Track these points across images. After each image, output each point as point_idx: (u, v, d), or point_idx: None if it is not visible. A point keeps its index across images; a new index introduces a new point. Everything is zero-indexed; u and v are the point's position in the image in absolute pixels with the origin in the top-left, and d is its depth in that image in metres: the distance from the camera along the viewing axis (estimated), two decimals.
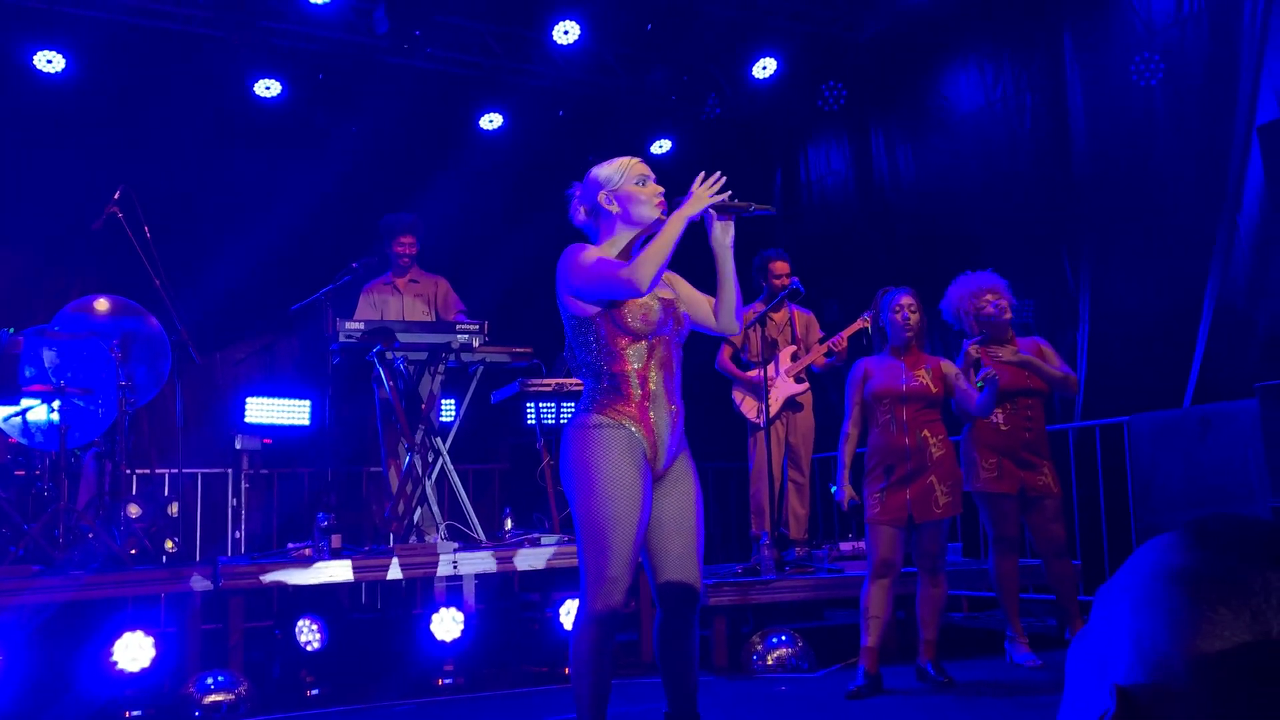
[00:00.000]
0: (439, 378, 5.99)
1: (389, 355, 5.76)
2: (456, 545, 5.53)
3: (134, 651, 4.67)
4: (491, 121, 9.12)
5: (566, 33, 8.20)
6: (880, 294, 4.85)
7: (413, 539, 5.80)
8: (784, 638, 5.40)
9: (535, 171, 9.31)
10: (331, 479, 6.12)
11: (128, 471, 5.97)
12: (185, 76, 7.91)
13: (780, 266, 6.41)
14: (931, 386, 4.65)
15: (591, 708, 3.01)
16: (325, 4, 7.66)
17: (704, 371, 6.28)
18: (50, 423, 5.43)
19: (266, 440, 7.42)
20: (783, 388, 6.40)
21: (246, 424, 7.46)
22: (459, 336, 5.92)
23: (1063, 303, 6.91)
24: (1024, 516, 5.05)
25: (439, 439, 6.01)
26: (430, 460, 5.98)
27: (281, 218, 7.95)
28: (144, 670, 4.68)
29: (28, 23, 7.52)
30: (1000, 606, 5.19)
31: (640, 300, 3.01)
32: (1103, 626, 0.79)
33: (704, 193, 3.04)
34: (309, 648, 5.17)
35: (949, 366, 4.75)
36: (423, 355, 5.91)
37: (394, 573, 5.26)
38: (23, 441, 5.53)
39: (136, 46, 7.74)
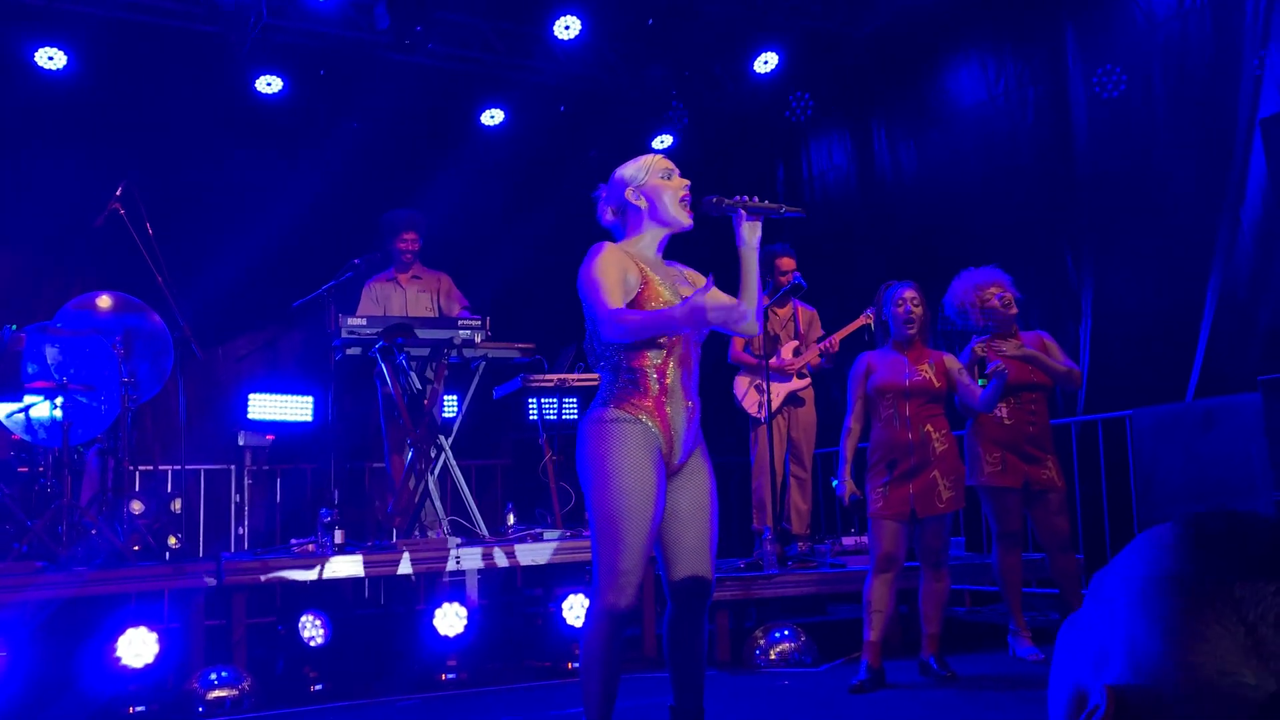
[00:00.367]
0: (442, 373, 5.99)
1: (392, 351, 5.76)
2: (460, 540, 5.54)
3: (138, 647, 4.67)
4: (493, 117, 9.11)
5: (567, 28, 8.19)
6: (883, 288, 4.85)
7: (415, 534, 5.81)
8: (787, 632, 5.40)
9: (537, 167, 9.31)
10: (334, 475, 6.12)
11: (131, 468, 5.97)
12: (186, 73, 7.90)
13: (786, 263, 6.41)
14: (934, 381, 4.65)
15: (600, 702, 3.01)
16: (326, 0, 7.66)
17: (704, 366, 6.26)
18: (53, 419, 5.43)
19: (269, 436, 7.43)
20: (784, 383, 6.40)
21: (249, 420, 7.47)
22: (461, 332, 5.92)
23: (1065, 297, 6.91)
24: (1027, 511, 5.05)
25: (441, 435, 6.02)
26: (433, 456, 5.99)
27: (283, 214, 7.95)
28: (148, 666, 4.68)
29: (28, 20, 7.52)
30: (1003, 600, 5.19)
31: (664, 297, 3.03)
32: (1097, 618, 0.79)
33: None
34: (312, 643, 5.17)
35: (952, 361, 4.75)
36: (425, 351, 5.91)
37: (404, 568, 5.28)
38: (26, 438, 5.53)
39: (138, 43, 7.73)
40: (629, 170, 3.22)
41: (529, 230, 8.66)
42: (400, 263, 6.69)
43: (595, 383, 6.41)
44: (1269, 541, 0.75)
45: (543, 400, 6.68)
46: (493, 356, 6.08)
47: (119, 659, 4.65)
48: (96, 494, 5.78)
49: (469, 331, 5.94)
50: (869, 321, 5.78)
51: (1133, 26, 6.55)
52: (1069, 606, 5.12)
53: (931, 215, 7.99)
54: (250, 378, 8.29)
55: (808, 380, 6.51)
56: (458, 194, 8.65)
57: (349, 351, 5.83)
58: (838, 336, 6.28)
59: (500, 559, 5.48)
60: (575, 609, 5.36)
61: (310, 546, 5.32)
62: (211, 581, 5.03)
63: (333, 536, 5.29)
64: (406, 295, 6.63)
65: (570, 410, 7.15)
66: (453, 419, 6.51)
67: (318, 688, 5.02)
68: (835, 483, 4.95)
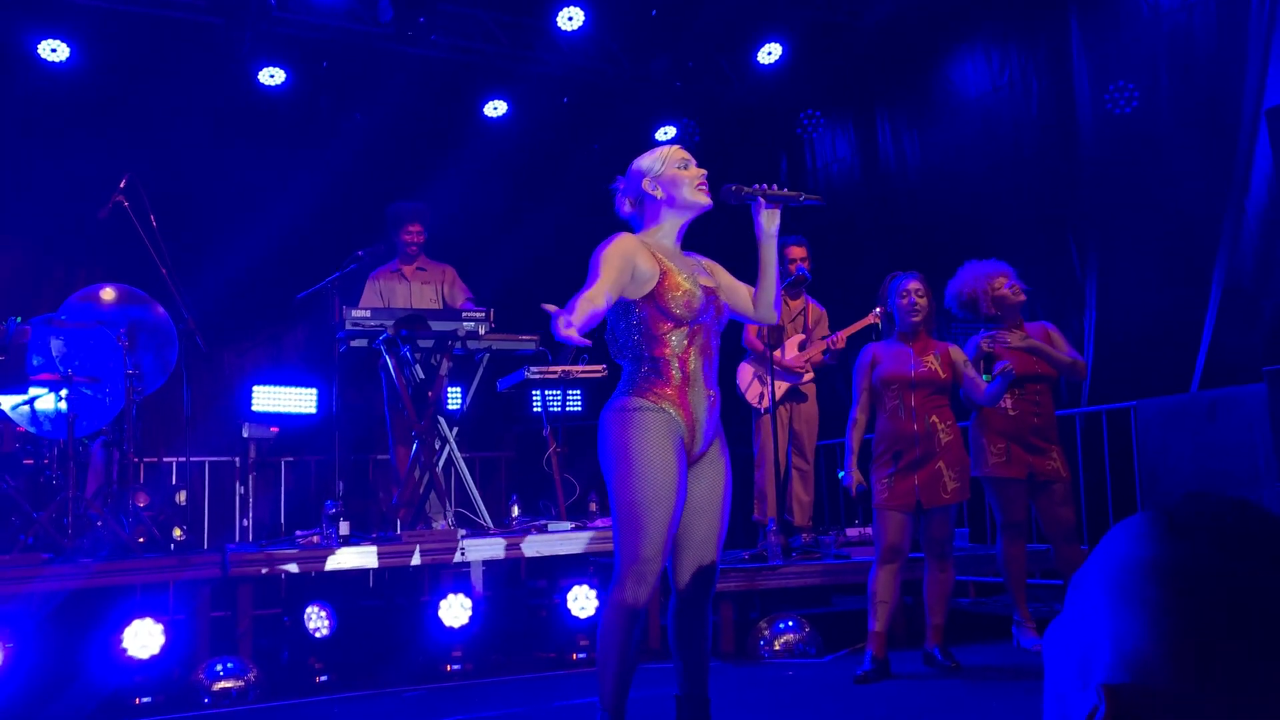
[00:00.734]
0: (446, 365, 5.99)
1: (396, 343, 5.76)
2: (464, 532, 5.55)
3: (143, 639, 4.68)
4: (496, 109, 9.10)
5: (570, 19, 8.17)
6: (888, 279, 4.85)
7: (420, 526, 5.82)
8: (791, 623, 5.41)
9: (540, 159, 9.31)
10: (338, 466, 6.13)
11: (135, 460, 5.98)
12: (190, 65, 7.90)
13: (794, 251, 6.39)
14: (940, 372, 4.65)
15: (615, 688, 3.02)
16: None
17: None
18: (58, 411, 5.44)
19: (274, 428, 7.44)
20: (789, 380, 6.39)
21: (253, 412, 7.49)
22: (465, 324, 5.92)
23: (1070, 288, 6.89)
24: (1032, 501, 5.05)
25: (446, 426, 6.02)
26: (437, 448, 5.99)
27: (286, 205, 7.95)
28: (153, 657, 4.69)
29: (31, 11, 7.52)
30: (1008, 591, 5.19)
31: (684, 287, 3.05)
32: (1080, 617, 0.79)
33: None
34: (317, 634, 5.18)
35: (957, 353, 4.75)
36: (430, 343, 5.91)
37: (413, 559, 5.29)
38: (31, 430, 5.54)
39: (141, 35, 7.72)
40: (646, 161, 3.22)
41: (532, 222, 8.65)
42: (405, 255, 6.69)
43: (599, 375, 6.45)
44: (1239, 522, 0.75)
45: (546, 392, 6.68)
46: (497, 348, 6.08)
47: (125, 650, 4.66)
48: (102, 486, 5.80)
49: (473, 323, 5.94)
50: (876, 321, 5.77)
51: (1138, 17, 6.53)
52: None
53: (936, 207, 7.98)
54: (254, 370, 8.31)
55: (810, 374, 6.50)
56: (461, 186, 8.64)
57: (353, 343, 5.83)
58: (844, 334, 6.27)
59: (505, 551, 5.48)
60: (580, 600, 5.36)
61: (315, 538, 5.33)
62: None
63: (337, 528, 5.29)
64: (411, 288, 6.63)
65: (574, 402, 7.15)
66: (457, 411, 6.52)
67: (323, 678, 5.03)
68: (842, 474, 4.96)
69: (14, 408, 5.47)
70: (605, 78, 9.11)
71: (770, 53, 8.79)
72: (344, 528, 5.34)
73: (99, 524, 5.31)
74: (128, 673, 4.65)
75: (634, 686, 3.08)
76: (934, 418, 4.62)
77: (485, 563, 5.56)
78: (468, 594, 5.23)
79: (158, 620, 4.74)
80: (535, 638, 5.63)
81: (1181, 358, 6.12)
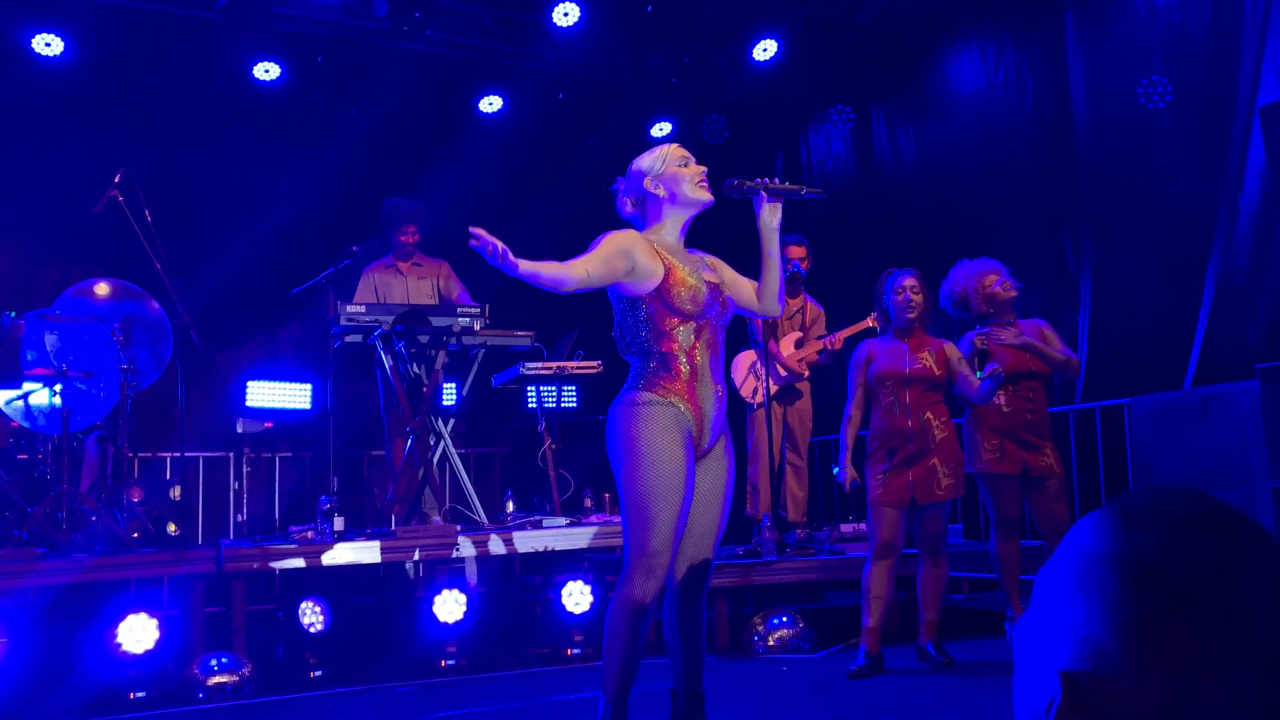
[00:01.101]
0: (441, 360, 5.99)
1: (392, 338, 5.77)
2: (459, 527, 5.55)
3: (138, 633, 4.69)
4: (491, 104, 9.10)
5: (566, 15, 8.17)
6: (883, 276, 4.86)
7: (415, 522, 5.82)
8: (785, 619, 5.42)
9: (536, 155, 9.30)
10: (333, 462, 6.13)
11: (130, 455, 5.98)
12: (184, 59, 7.88)
13: (793, 250, 6.40)
14: (935, 369, 4.66)
15: (619, 681, 3.04)
16: None
17: None
18: (52, 406, 5.44)
19: (268, 424, 7.43)
20: (784, 380, 6.40)
21: (248, 408, 7.48)
22: (460, 320, 5.92)
23: (1064, 285, 6.91)
24: (1026, 497, 5.06)
25: (440, 422, 6.02)
26: (432, 443, 5.99)
27: (281, 201, 7.95)
28: (148, 652, 4.69)
29: (26, 5, 7.49)
30: (1001, 587, 5.20)
31: (689, 283, 3.08)
32: (1044, 610, 0.80)
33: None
34: (312, 629, 5.19)
35: (952, 350, 4.76)
36: (425, 338, 5.91)
37: (411, 554, 5.31)
38: (25, 425, 5.54)
39: (135, 29, 7.71)
40: (646, 161, 3.25)
41: (528, 218, 8.64)
42: (402, 252, 6.68)
43: (594, 371, 6.46)
44: (1191, 513, 0.76)
45: (541, 388, 6.68)
46: (492, 344, 6.09)
47: (119, 645, 4.66)
48: (96, 481, 5.80)
49: (469, 319, 5.94)
50: (873, 324, 5.78)
51: (1133, 15, 6.54)
52: None
53: (931, 204, 7.99)
54: (249, 365, 8.30)
55: (807, 373, 6.50)
56: (456, 182, 8.63)
57: (348, 339, 5.83)
58: (841, 335, 6.28)
59: (499, 546, 5.49)
60: (574, 596, 5.37)
61: (309, 534, 5.33)
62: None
63: (332, 524, 5.30)
64: (408, 283, 6.62)
65: (569, 398, 7.16)
66: (452, 406, 6.52)
67: (317, 673, 5.03)
68: (836, 469, 4.97)
69: (8, 402, 5.47)
70: (601, 74, 9.10)
71: (766, 49, 8.78)
72: (339, 523, 5.35)
73: (93, 519, 5.31)
74: (122, 667, 4.65)
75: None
76: (929, 414, 4.63)
77: (480, 558, 5.57)
78: (462, 589, 5.24)
79: (152, 615, 4.74)
80: (529, 633, 5.64)
81: (1175, 355, 6.13)
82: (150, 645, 4.70)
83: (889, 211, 8.48)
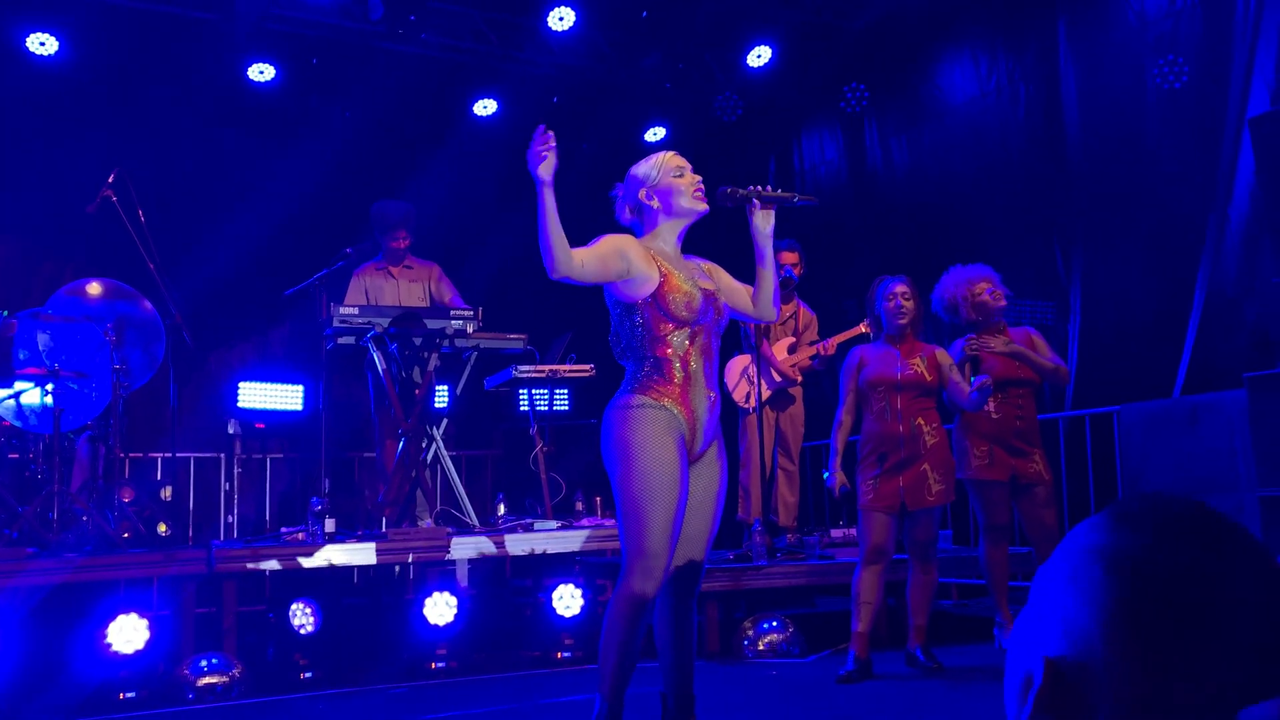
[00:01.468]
0: (434, 363, 6.00)
1: (384, 340, 5.77)
2: (450, 530, 5.56)
3: (128, 634, 4.68)
4: (485, 108, 9.11)
5: (561, 19, 8.18)
6: (875, 283, 4.89)
7: (405, 524, 5.83)
8: (775, 623, 5.44)
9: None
10: (325, 464, 6.13)
11: (121, 455, 5.98)
12: (179, 60, 7.88)
13: (786, 256, 6.42)
14: (926, 375, 4.68)
15: (615, 682, 3.05)
16: None
17: None
18: (44, 406, 5.43)
19: (260, 425, 7.43)
20: (778, 384, 6.42)
21: (240, 409, 7.48)
22: (453, 322, 5.93)
23: (1054, 293, 6.94)
24: (1015, 504, 5.08)
25: (432, 424, 6.03)
26: (424, 445, 6.00)
27: (275, 202, 7.94)
28: (138, 652, 4.69)
29: (20, 4, 7.49)
30: (990, 594, 5.23)
31: (684, 289, 3.12)
32: (1038, 601, 0.83)
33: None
34: (302, 631, 5.18)
35: (944, 356, 4.79)
36: (418, 340, 5.92)
37: (403, 557, 5.31)
38: (16, 424, 5.53)
39: (130, 29, 7.71)
40: (642, 170, 3.29)
41: (521, 221, 8.55)
42: (392, 256, 6.68)
43: (586, 374, 6.47)
44: (1181, 514, 0.79)
45: (534, 391, 6.69)
46: (484, 347, 6.09)
47: (109, 645, 4.65)
48: (87, 481, 5.79)
49: (461, 321, 5.95)
50: (866, 330, 5.80)
51: (1125, 25, 6.58)
52: None
53: (923, 210, 8.02)
54: (241, 366, 8.29)
55: (799, 379, 6.52)
56: (450, 184, 8.64)
57: (341, 340, 5.84)
58: (834, 341, 6.30)
59: (490, 549, 5.50)
60: (565, 599, 5.38)
61: (301, 535, 5.33)
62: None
63: (323, 525, 5.30)
64: (399, 286, 6.62)
65: (561, 401, 7.16)
66: (444, 409, 6.52)
67: (308, 675, 5.03)
68: (826, 474, 4.99)
69: (0, 402, 5.46)
70: (595, 78, 9.12)
71: (760, 55, 8.81)
72: (330, 525, 5.35)
73: (84, 519, 5.30)
74: (112, 668, 4.65)
75: None
76: (920, 420, 4.66)
77: (471, 561, 5.58)
78: (453, 592, 5.24)
79: (142, 616, 4.74)
80: (520, 636, 5.64)
81: (1164, 363, 6.17)
82: (140, 646, 4.69)
83: (881, 217, 8.51)
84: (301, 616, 5.22)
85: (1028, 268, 6.83)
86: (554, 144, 2.95)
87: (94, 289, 6.00)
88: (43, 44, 7.61)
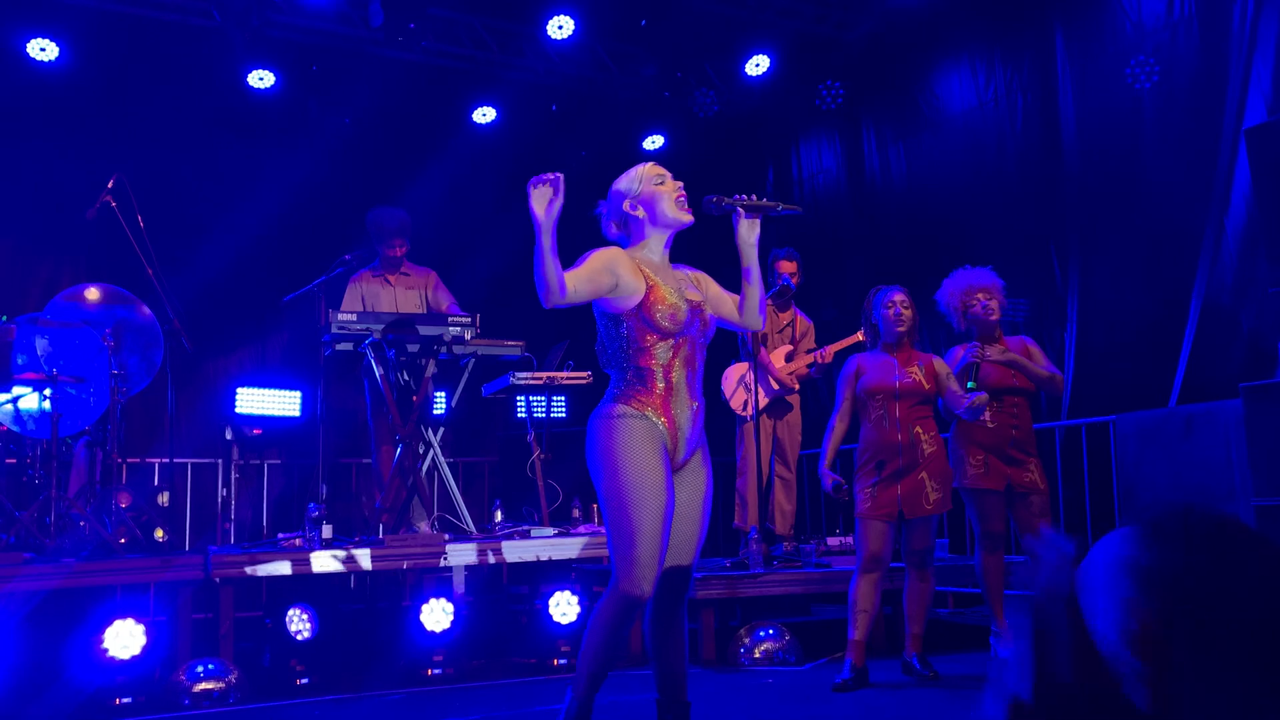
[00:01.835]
0: (431, 369, 6.00)
1: (382, 346, 5.78)
2: (447, 536, 5.56)
3: (125, 639, 4.68)
4: (484, 115, 9.13)
5: (560, 27, 8.21)
6: (872, 292, 4.90)
7: (402, 530, 5.83)
8: (771, 631, 5.44)
9: (527, 166, 9.25)
10: (322, 470, 6.13)
11: (118, 460, 5.98)
12: (179, 66, 7.90)
13: (784, 265, 6.44)
14: (924, 383, 4.69)
15: (589, 683, 3.10)
16: None
17: None
18: (42, 411, 5.43)
19: (257, 431, 7.43)
20: (776, 392, 6.43)
21: (237, 414, 7.48)
22: (451, 329, 5.94)
23: (1051, 302, 6.96)
24: (1010, 513, 5.09)
25: (430, 431, 6.03)
26: (421, 452, 6.00)
27: (274, 208, 7.96)
28: (134, 658, 4.69)
29: (21, 10, 7.51)
30: (986, 602, 5.23)
31: (669, 301, 3.14)
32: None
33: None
34: (299, 637, 5.19)
35: (941, 365, 4.80)
36: (416, 347, 5.92)
37: (399, 563, 5.32)
38: (14, 429, 5.53)
39: (130, 35, 7.73)
40: (624, 183, 3.32)
41: (519, 229, 8.56)
42: (389, 264, 6.68)
43: (584, 381, 6.47)
44: (1210, 531, 0.80)
45: (531, 398, 6.69)
46: (482, 354, 6.10)
47: (106, 651, 4.66)
48: (84, 486, 5.79)
49: (459, 328, 5.96)
50: (864, 339, 5.81)
51: (1122, 36, 6.61)
52: None
53: (920, 219, 8.04)
54: (238, 372, 8.30)
55: (797, 387, 6.53)
56: (448, 191, 8.66)
57: (339, 347, 5.84)
58: (831, 349, 6.31)
59: (487, 556, 5.50)
60: (561, 606, 5.38)
61: (298, 541, 5.33)
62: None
63: (320, 531, 5.30)
64: (395, 293, 6.63)
65: (559, 408, 7.16)
66: (441, 415, 6.53)
67: (304, 681, 5.03)
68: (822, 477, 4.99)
69: None
70: (594, 86, 9.14)
71: (758, 64, 8.84)
72: (327, 531, 5.35)
73: (81, 524, 5.30)
74: (108, 673, 4.65)
75: (615, 691, 3.13)
76: (918, 428, 4.67)
77: (467, 567, 5.58)
78: (449, 598, 5.24)
79: (139, 621, 4.74)
80: (516, 643, 5.64)
81: (1161, 373, 6.18)
82: (137, 651, 4.70)
83: (879, 226, 8.54)
84: (298, 622, 5.22)
85: (1024, 276, 6.83)
86: (560, 186, 2.93)
87: (92, 294, 6.01)
88: (43, 50, 7.63)
